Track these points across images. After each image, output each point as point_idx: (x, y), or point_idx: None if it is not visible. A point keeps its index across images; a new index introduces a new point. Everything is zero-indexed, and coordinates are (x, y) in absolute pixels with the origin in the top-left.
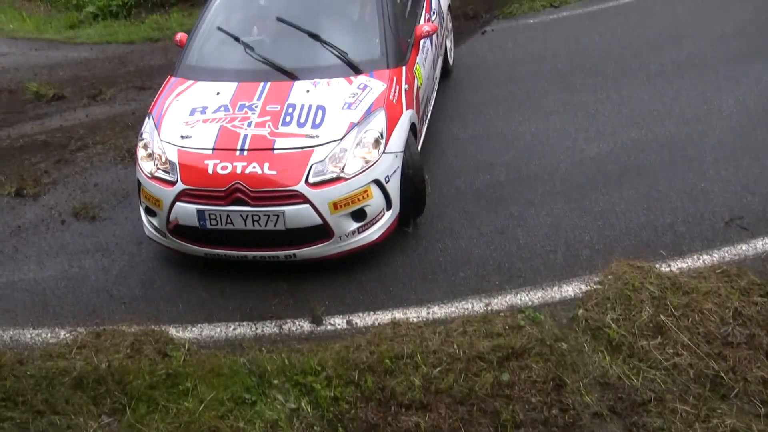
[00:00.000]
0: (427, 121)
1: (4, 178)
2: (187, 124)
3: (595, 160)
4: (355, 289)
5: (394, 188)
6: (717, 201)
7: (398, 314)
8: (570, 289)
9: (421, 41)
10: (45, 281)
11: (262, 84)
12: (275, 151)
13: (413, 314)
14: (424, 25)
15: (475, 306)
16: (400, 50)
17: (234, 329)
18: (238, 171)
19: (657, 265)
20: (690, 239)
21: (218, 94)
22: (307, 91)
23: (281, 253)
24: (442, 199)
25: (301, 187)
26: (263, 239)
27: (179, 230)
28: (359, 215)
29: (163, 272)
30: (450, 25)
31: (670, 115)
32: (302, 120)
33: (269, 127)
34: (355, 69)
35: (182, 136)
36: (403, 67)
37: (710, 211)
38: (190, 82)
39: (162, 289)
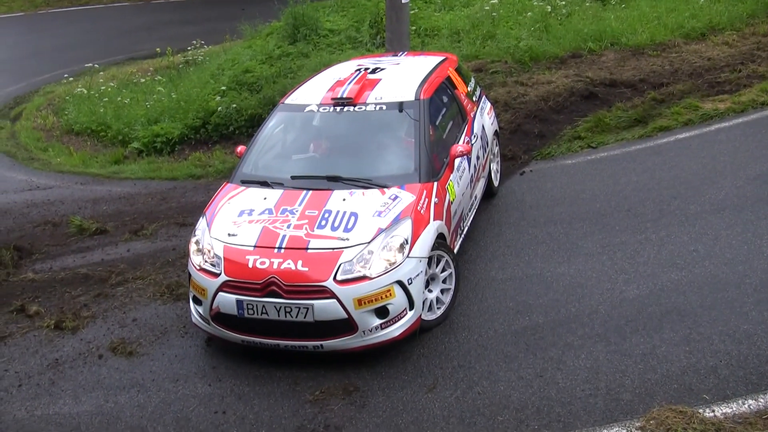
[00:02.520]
0: (462, 235)
1: (44, 311)
2: (235, 223)
3: (634, 301)
4: None
5: (416, 290)
6: (761, 343)
7: None
8: None
9: (457, 160)
10: (80, 416)
11: (304, 192)
12: (309, 251)
13: None
14: (458, 146)
15: None
16: (433, 168)
17: None
18: (275, 266)
19: (700, 410)
20: (734, 383)
21: (265, 199)
22: (344, 200)
23: (310, 343)
24: (480, 342)
25: (329, 283)
26: (294, 330)
27: (220, 318)
28: (382, 312)
29: (198, 411)
30: (497, 150)
31: (710, 256)
32: (336, 224)
33: (306, 229)
34: (389, 182)
35: (229, 234)
36: (435, 183)
37: (754, 353)
38: (242, 187)
39: (196, 428)
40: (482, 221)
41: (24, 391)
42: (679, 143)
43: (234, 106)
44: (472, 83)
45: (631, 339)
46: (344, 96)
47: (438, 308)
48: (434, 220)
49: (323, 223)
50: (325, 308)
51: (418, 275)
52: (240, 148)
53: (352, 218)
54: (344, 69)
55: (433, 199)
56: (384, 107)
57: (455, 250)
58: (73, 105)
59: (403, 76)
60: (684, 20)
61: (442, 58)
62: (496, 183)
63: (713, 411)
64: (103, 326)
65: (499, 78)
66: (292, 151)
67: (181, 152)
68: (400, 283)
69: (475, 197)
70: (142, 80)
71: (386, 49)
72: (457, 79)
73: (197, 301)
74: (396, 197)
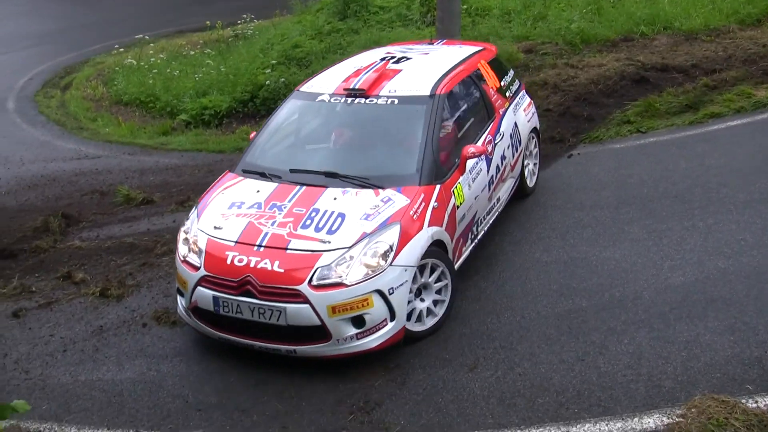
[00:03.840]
0: (475, 241)
1: (89, 278)
2: (223, 216)
3: (680, 288)
4: (432, 410)
5: (399, 300)
6: None
7: None
8: (651, 422)
9: (470, 161)
10: (123, 383)
11: (297, 187)
12: (288, 251)
13: None
14: (470, 147)
15: None
16: (437, 169)
17: None
18: (252, 265)
19: (743, 400)
20: None
21: (258, 192)
22: (335, 199)
23: (283, 347)
24: (523, 323)
25: (303, 287)
26: (268, 332)
27: (198, 312)
28: (359, 321)
29: (239, 381)
30: (534, 148)
31: (758, 246)
32: (320, 225)
33: (290, 227)
34: (386, 183)
35: (215, 227)
36: (438, 186)
37: None
38: (241, 177)
39: (238, 398)
40: (528, 204)
41: (69, 356)
42: (730, 130)
43: (282, 80)
44: (509, 77)
45: (674, 326)
46: (357, 87)
47: (430, 318)
48: (430, 226)
49: (308, 222)
50: (297, 313)
51: (401, 285)
52: (253, 134)
53: (339, 219)
54: (369, 57)
55: (432, 204)
56: (396, 101)
57: (464, 256)
58: (123, 76)
59: (426, 67)
60: (739, 5)
61: (477, 49)
62: (531, 183)
63: (756, 402)
64: (147, 295)
65: (549, 60)
66: (297, 143)
67: (229, 125)
68: (379, 292)
69: (498, 199)
70: (192, 53)
71: (436, 28)
72: (487, 73)
73: (181, 293)
74: (389, 200)
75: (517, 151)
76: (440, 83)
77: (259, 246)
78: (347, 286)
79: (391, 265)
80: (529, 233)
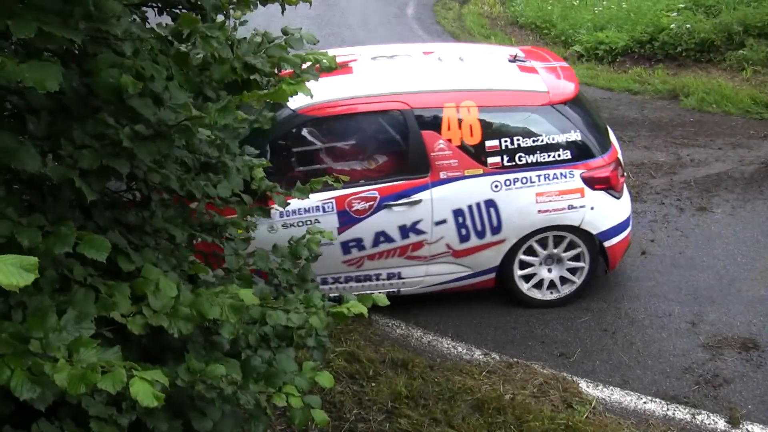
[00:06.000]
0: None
1: None
2: None
3: None
4: None
5: None
6: None
7: None
8: None
9: (305, 204)
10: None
11: None
12: None
13: None
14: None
15: None
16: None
17: (645, 403)
18: None
19: None
20: None
21: None
22: None
23: None
24: None
25: None
26: None
27: None
28: None
29: (588, 324)
30: (567, 254)
31: None
32: None
33: None
34: None
35: None
36: None
37: None
38: None
39: (585, 340)
40: None
41: None
42: None
43: (687, 26)
44: (533, 141)
45: None
46: None
47: None
48: None
49: None
50: None
51: None
52: None
53: None
54: (404, 49)
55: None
56: None
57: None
58: None
59: (375, 76)
60: None
61: (522, 89)
62: (541, 295)
63: None
64: None
65: None
66: None
67: (622, 64)
68: None
69: (396, 276)
70: None
71: None
72: (452, 121)
73: None
74: None
75: (479, 237)
76: (321, 103)
77: None
78: None
79: None
80: None
